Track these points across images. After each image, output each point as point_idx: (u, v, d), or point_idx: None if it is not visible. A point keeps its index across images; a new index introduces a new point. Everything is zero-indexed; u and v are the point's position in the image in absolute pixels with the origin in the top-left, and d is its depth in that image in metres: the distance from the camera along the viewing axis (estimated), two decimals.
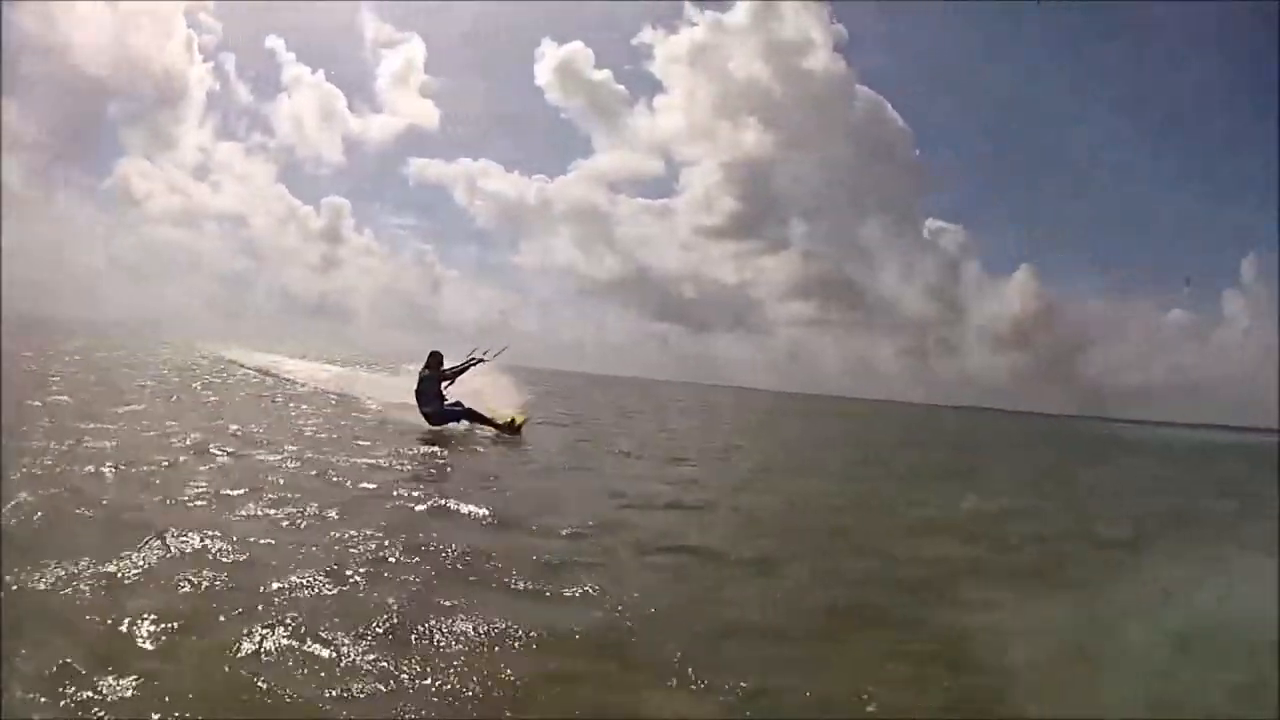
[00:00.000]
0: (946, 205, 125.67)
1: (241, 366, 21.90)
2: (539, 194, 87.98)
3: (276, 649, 2.96)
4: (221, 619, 3.20)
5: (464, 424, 11.34)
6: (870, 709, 2.94)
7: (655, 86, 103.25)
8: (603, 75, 78.70)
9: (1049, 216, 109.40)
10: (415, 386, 11.18)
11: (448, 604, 3.66)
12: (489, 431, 11.25)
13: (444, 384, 11.24)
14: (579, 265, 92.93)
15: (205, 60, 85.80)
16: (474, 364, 11.64)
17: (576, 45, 76.86)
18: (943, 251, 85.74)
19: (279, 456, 7.47)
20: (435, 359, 11.34)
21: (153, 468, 6.22)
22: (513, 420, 11.49)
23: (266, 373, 20.39)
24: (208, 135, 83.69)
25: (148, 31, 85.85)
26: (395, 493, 6.38)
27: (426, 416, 11.11)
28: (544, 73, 78.54)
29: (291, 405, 13.57)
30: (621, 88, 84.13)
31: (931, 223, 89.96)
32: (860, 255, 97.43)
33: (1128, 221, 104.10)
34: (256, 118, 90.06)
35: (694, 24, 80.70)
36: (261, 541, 4.35)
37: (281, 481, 6.23)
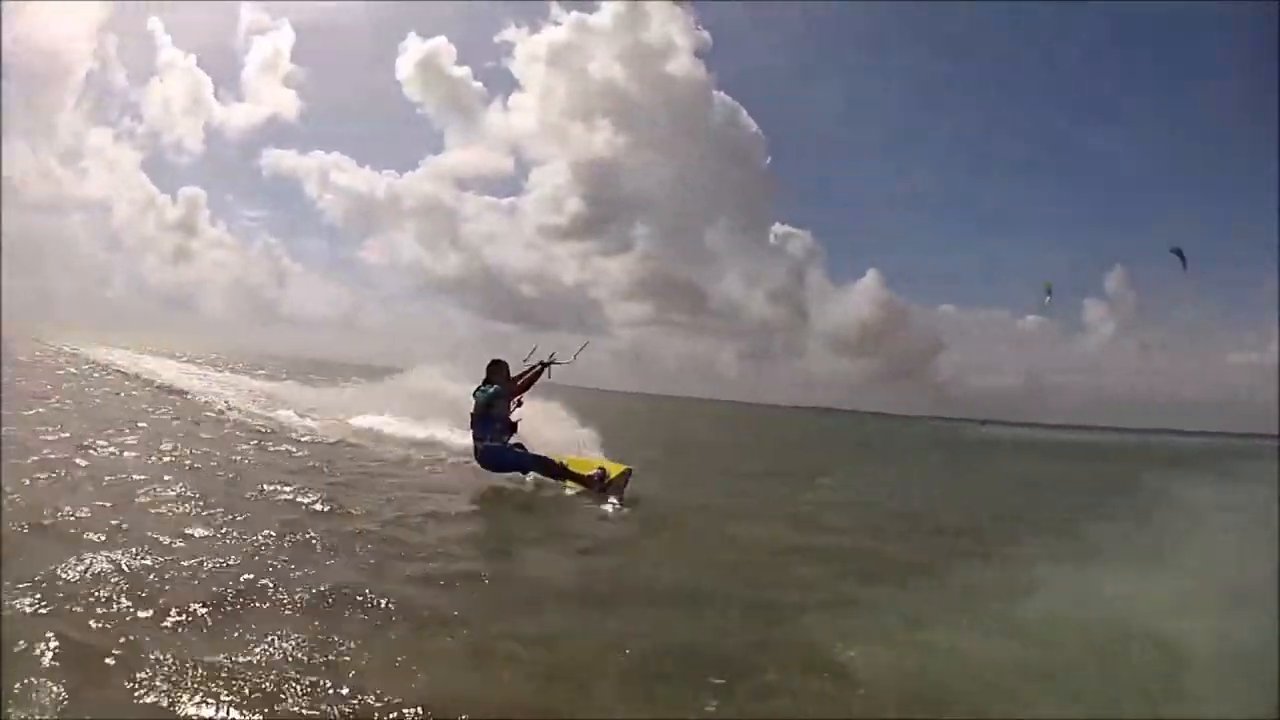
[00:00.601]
0: (795, 212, 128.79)
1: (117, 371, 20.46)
2: (388, 189, 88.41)
3: None
4: None
5: (529, 476, 8.04)
6: None
7: (513, 85, 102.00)
8: (462, 72, 79.88)
9: (898, 225, 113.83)
10: (474, 409, 8.03)
11: None
12: (570, 487, 7.94)
13: (515, 403, 8.30)
14: (424, 262, 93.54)
15: (88, 41, 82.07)
16: (545, 368, 8.84)
17: (440, 40, 77.82)
18: (789, 256, 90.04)
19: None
20: (501, 370, 8.31)
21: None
22: (602, 472, 7.95)
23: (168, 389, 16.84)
24: (82, 119, 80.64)
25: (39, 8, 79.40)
26: None
27: (481, 453, 8.03)
28: (405, 67, 78.64)
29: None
30: (479, 85, 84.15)
31: (779, 228, 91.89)
32: (705, 259, 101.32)
33: (987, 232, 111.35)
34: (128, 103, 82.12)
35: (558, 23, 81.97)
36: None
37: None
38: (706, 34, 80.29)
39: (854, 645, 3.61)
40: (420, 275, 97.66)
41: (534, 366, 8.77)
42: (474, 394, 8.11)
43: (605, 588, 4.61)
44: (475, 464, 8.21)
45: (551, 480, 7.98)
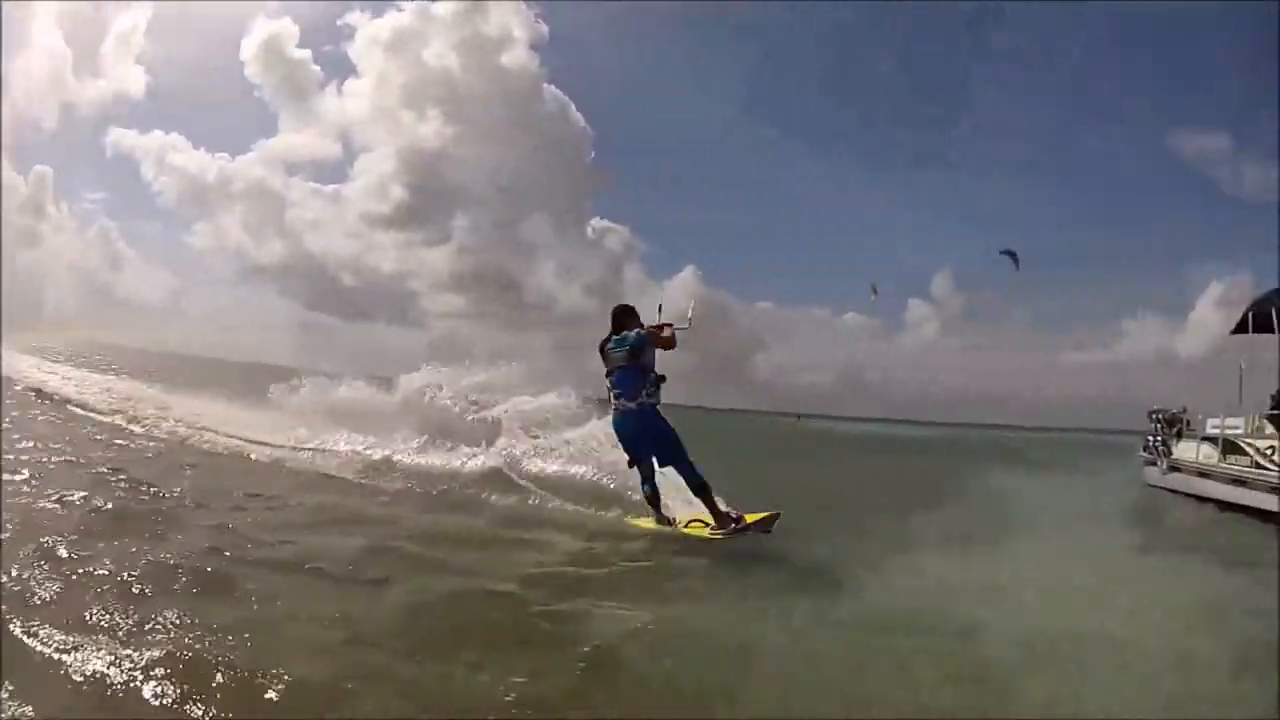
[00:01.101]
0: (615, 207, 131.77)
1: None
2: (220, 172, 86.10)
3: None
4: None
5: (661, 474, 6.25)
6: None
7: (350, 70, 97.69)
8: (302, 54, 78.11)
9: (719, 222, 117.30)
10: (615, 359, 6.18)
11: None
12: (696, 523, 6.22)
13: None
14: (247, 248, 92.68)
15: None
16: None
17: (285, 22, 76.53)
18: (607, 251, 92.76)
19: None
20: (633, 318, 6.31)
21: None
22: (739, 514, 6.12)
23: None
24: None
25: None
26: None
27: (627, 414, 6.18)
28: (249, 46, 75.72)
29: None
30: (317, 68, 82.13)
31: (597, 222, 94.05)
32: (523, 251, 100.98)
33: (809, 231, 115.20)
34: None
35: (401, 9, 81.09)
36: None
37: None
38: (545, 27, 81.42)
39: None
40: (244, 261, 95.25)
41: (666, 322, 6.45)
42: (605, 345, 6.29)
43: None
44: (611, 432, 6.56)
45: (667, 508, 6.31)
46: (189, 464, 7.73)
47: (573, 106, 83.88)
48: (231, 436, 9.70)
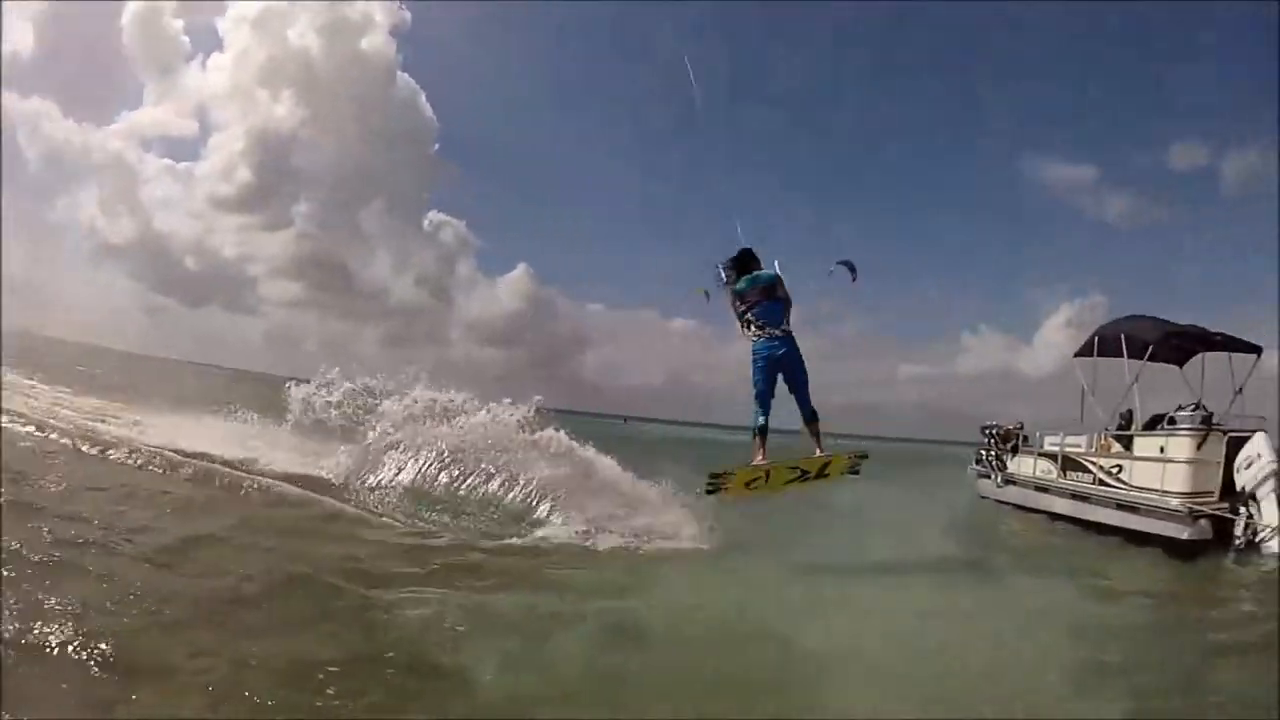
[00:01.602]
0: (453, 201, 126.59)
1: None
2: (83, 144, 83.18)
3: None
4: None
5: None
6: None
7: (218, 44, 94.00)
8: (176, 26, 76.31)
9: (552, 222, 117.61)
10: (750, 294, 6.81)
11: None
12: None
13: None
14: (98, 224, 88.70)
15: None
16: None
17: None
18: (441, 244, 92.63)
19: None
20: (754, 256, 7.01)
21: None
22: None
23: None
24: None
25: None
26: None
27: (773, 340, 6.71)
28: (129, 14, 74.35)
29: None
30: (186, 40, 78.78)
31: (434, 215, 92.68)
32: (359, 239, 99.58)
33: (642, 235, 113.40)
34: None
35: None
36: None
37: None
38: (408, 14, 77.66)
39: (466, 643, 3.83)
40: (96, 239, 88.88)
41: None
42: (739, 285, 6.89)
43: None
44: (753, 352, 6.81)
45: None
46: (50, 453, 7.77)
47: (423, 96, 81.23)
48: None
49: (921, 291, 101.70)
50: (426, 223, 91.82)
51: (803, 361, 6.84)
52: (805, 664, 4.00)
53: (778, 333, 6.74)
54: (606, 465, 9.08)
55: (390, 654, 3.60)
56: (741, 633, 4.46)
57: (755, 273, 6.90)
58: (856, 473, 7.19)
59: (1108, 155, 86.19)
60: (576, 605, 4.73)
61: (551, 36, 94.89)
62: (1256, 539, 8.16)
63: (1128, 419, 10.38)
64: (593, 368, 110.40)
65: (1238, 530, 8.30)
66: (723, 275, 7.04)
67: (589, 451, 9.26)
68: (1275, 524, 8.07)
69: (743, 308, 6.88)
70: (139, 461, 7.95)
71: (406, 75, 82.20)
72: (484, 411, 9.67)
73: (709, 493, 6.78)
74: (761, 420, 6.76)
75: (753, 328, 6.80)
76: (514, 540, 6.82)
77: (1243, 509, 8.36)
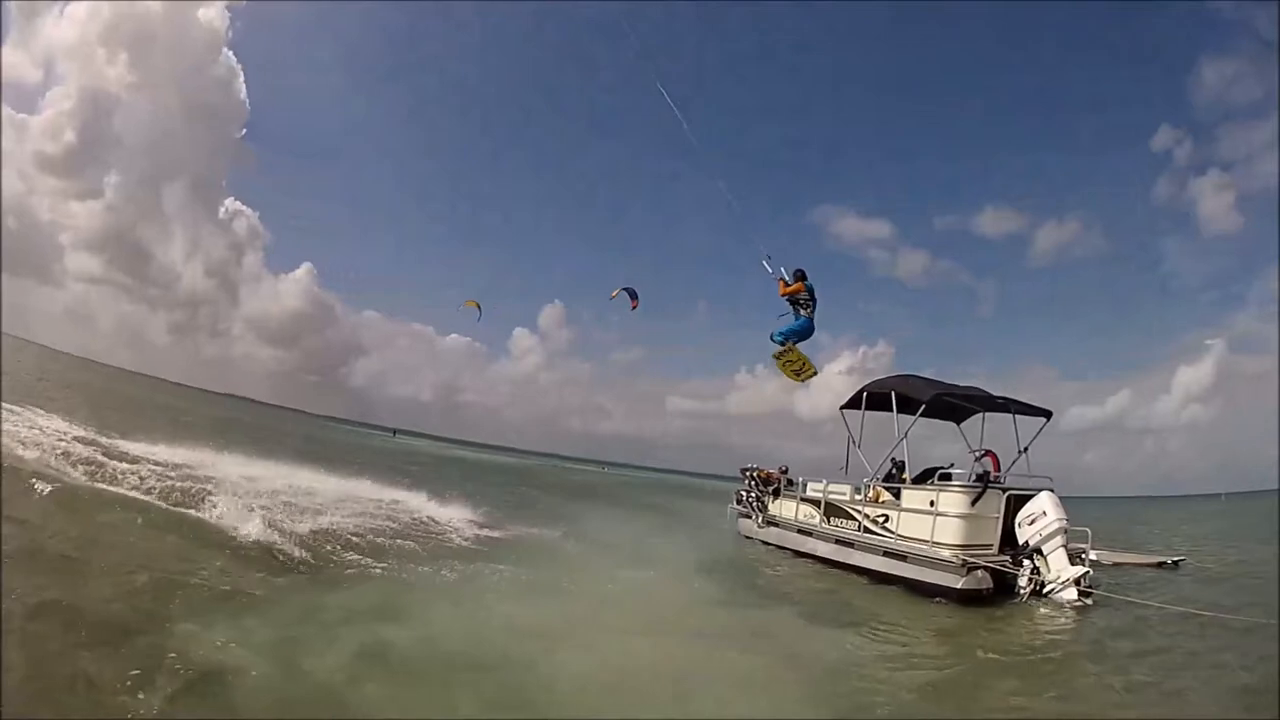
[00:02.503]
0: (250, 191, 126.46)
1: None
2: None
3: None
4: None
5: None
6: None
7: None
8: None
9: (341, 224, 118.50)
10: (805, 294, 10.58)
11: None
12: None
13: None
14: None
15: None
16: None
17: None
18: (233, 233, 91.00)
19: None
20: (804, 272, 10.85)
21: None
22: None
23: None
24: None
25: None
26: None
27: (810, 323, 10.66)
28: None
29: None
30: None
31: (231, 202, 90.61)
32: (159, 219, 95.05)
33: (420, 247, 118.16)
34: None
35: None
36: None
37: None
38: None
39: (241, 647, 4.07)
40: None
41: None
42: (809, 283, 10.44)
43: None
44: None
45: None
46: None
47: (242, 77, 77.86)
48: None
49: (696, 331, 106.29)
50: (223, 210, 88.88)
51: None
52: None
53: (810, 313, 10.45)
54: None
55: None
56: (509, 662, 4.68)
57: (809, 280, 10.47)
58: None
59: (907, 216, 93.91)
60: None
61: (384, 40, 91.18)
62: (1045, 591, 8.49)
63: (900, 468, 10.67)
64: (363, 374, 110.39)
65: (1021, 582, 8.60)
66: (784, 274, 10.33)
67: None
68: (1065, 576, 8.43)
69: (804, 296, 10.37)
70: None
71: (230, 53, 76.64)
72: None
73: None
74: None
75: (804, 310, 10.39)
76: None
77: (1027, 561, 8.72)
